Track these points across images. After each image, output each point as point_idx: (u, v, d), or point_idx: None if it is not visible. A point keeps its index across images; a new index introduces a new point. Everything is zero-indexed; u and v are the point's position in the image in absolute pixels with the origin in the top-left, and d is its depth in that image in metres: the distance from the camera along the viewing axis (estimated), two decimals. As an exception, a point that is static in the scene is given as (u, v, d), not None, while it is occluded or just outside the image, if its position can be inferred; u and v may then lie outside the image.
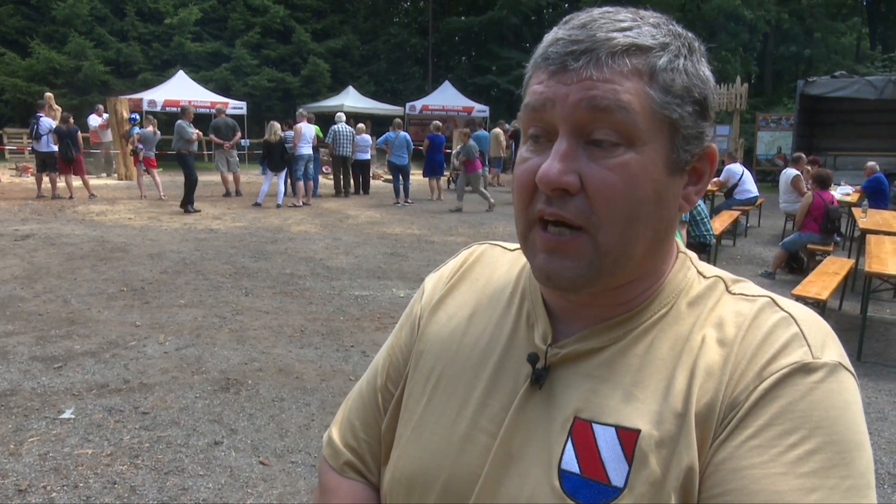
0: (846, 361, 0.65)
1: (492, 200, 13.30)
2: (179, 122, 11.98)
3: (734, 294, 0.72)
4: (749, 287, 0.73)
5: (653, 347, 0.69)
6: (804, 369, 0.62)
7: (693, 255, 0.78)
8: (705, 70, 0.69)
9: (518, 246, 0.75)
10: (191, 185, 11.88)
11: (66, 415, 3.81)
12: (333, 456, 0.89)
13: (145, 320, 5.55)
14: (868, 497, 0.60)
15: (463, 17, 30.65)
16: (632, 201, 0.65)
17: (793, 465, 0.59)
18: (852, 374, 0.65)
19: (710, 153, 0.71)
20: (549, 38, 0.68)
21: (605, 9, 0.68)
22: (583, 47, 0.64)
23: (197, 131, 12.64)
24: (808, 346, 0.64)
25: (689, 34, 0.70)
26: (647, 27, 0.66)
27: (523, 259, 0.75)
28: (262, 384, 4.33)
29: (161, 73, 23.78)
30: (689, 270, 0.75)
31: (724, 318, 0.69)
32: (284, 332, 5.39)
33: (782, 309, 0.68)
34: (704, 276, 0.75)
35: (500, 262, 0.88)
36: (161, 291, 6.47)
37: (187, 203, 11.88)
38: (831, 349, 0.65)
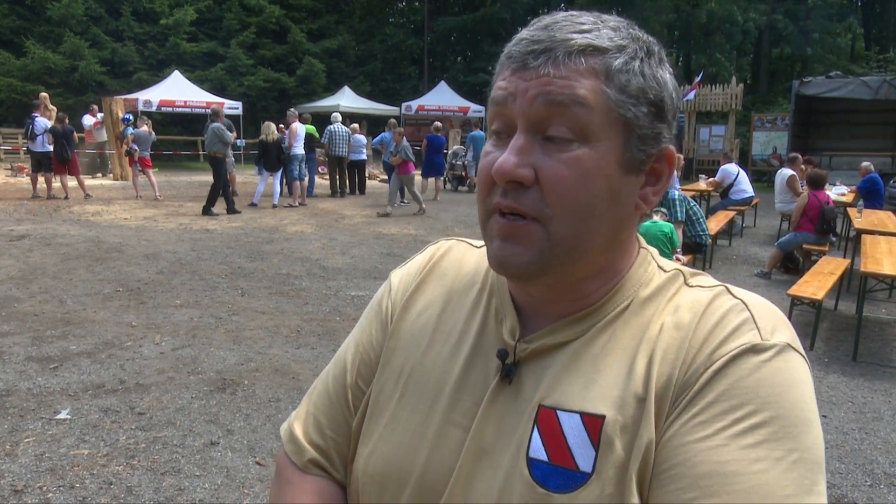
0: (797, 344, 0.66)
1: (423, 206, 12.67)
2: (216, 124, 11.79)
3: (692, 286, 0.74)
4: (706, 280, 0.75)
5: (614, 338, 0.71)
6: (753, 350, 0.64)
7: (654, 251, 0.80)
8: (664, 73, 0.71)
9: (484, 243, 0.77)
10: (216, 189, 11.78)
11: (62, 415, 3.81)
12: (296, 452, 0.87)
13: (141, 321, 5.54)
14: (814, 471, 0.60)
15: (457, 17, 30.64)
16: (584, 195, 0.67)
17: (736, 437, 0.60)
18: (803, 357, 0.66)
19: (669, 154, 0.73)
20: (515, 38, 0.71)
21: (569, 12, 0.71)
22: (542, 46, 0.67)
23: (234, 133, 12.70)
24: (758, 328, 0.66)
25: (650, 38, 0.72)
26: (606, 30, 0.68)
27: None
28: (259, 384, 4.33)
29: (156, 73, 23.76)
30: (650, 265, 0.77)
31: (681, 305, 0.71)
32: (281, 333, 5.39)
33: (735, 296, 0.70)
34: (664, 271, 0.77)
35: (466, 259, 0.89)
36: (157, 292, 6.46)
37: (209, 206, 11.75)
38: (781, 332, 0.66)
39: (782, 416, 0.61)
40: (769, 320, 0.67)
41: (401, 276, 0.91)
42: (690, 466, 0.60)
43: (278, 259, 8.22)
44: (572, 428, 0.67)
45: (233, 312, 5.88)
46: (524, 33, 0.70)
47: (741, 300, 0.70)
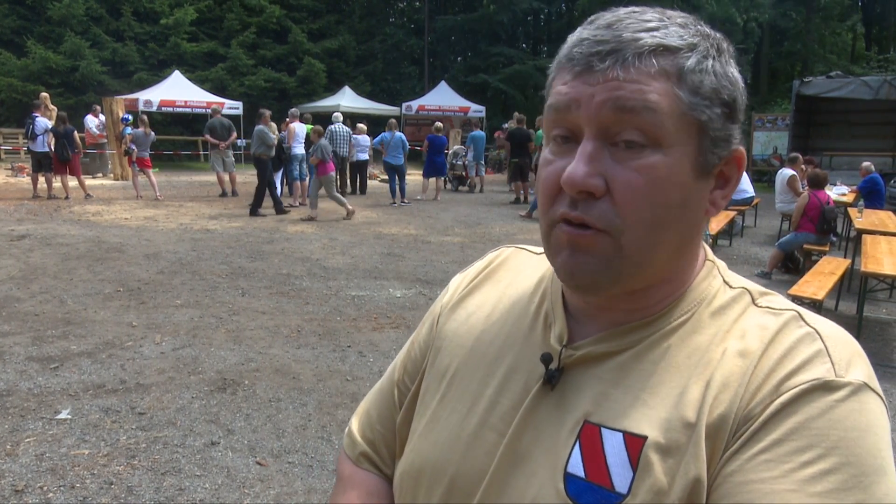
0: (874, 383, 0.62)
1: (350, 207, 11.85)
2: (260, 126, 11.91)
3: (760, 307, 0.70)
4: (777, 300, 0.71)
5: (669, 355, 0.68)
6: (825, 387, 0.60)
7: (722, 263, 0.76)
8: (734, 71, 0.67)
9: (544, 250, 0.75)
10: (262, 190, 11.88)
11: (63, 415, 3.81)
12: (351, 446, 0.91)
13: (142, 321, 5.54)
14: None
15: (458, 17, 30.63)
16: (657, 204, 0.64)
17: (805, 483, 0.56)
18: (880, 398, 0.61)
19: (738, 157, 0.69)
20: (573, 38, 0.67)
21: (631, 8, 0.67)
22: (608, 48, 0.63)
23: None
24: (832, 363, 0.61)
25: (718, 34, 0.68)
26: (674, 27, 0.65)
27: (548, 262, 0.74)
28: (259, 384, 4.33)
29: (157, 73, 23.75)
30: (715, 279, 0.73)
31: (748, 330, 0.67)
32: (281, 333, 5.39)
33: (808, 324, 0.66)
34: (731, 287, 0.73)
35: (525, 265, 0.88)
36: (157, 292, 6.46)
37: (257, 207, 11.86)
38: (858, 368, 0.62)
39: (854, 464, 0.57)
40: (844, 353, 0.62)
41: (458, 281, 0.92)
42: None
43: (279, 259, 8.22)
44: (613, 446, 0.65)
45: (233, 312, 5.88)
46: (585, 33, 0.66)
47: (815, 329, 0.65)
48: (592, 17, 0.67)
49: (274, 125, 13.02)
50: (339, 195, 12.02)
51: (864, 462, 0.57)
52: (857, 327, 5.46)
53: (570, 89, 0.65)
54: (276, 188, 12.31)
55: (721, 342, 0.67)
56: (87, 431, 3.63)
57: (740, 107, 0.67)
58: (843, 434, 0.58)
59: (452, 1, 32.54)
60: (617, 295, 0.70)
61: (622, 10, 0.66)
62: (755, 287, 0.73)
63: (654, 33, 0.63)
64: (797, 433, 0.58)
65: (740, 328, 0.67)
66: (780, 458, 0.58)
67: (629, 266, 0.66)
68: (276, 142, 12.26)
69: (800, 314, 0.67)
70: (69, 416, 3.80)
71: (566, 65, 0.66)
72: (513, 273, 0.87)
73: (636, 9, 0.67)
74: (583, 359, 0.71)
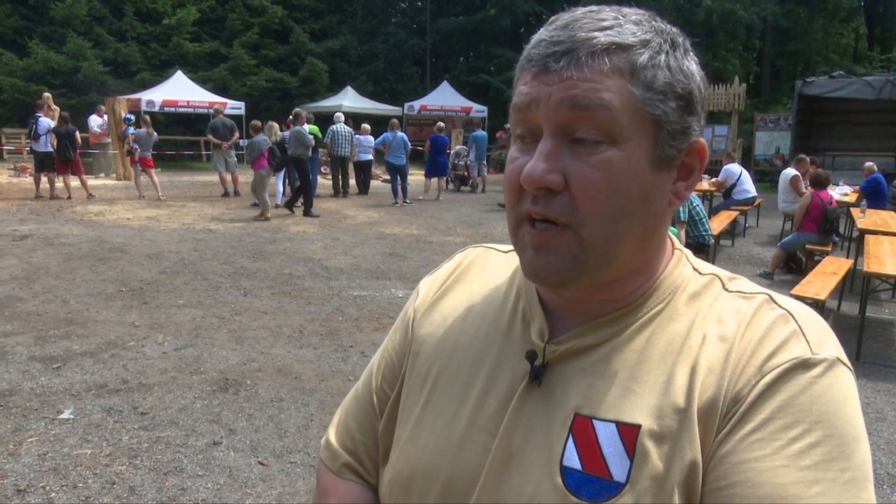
0: (844, 357, 0.66)
1: (268, 213, 11.44)
2: (297, 127, 12.05)
3: (731, 291, 0.73)
4: (745, 284, 0.74)
5: (650, 343, 0.70)
6: (804, 364, 0.64)
7: (688, 252, 0.79)
8: (690, 65, 0.69)
9: (511, 248, 0.76)
10: (308, 189, 12.09)
11: (65, 415, 3.81)
12: (331, 458, 0.89)
13: (144, 320, 5.55)
14: (866, 489, 0.61)
15: (460, 17, 30.62)
16: (616, 198, 0.66)
17: (794, 457, 0.60)
18: (850, 370, 0.66)
19: (699, 148, 0.71)
20: (534, 39, 0.69)
21: (588, 8, 0.68)
22: (563, 48, 0.65)
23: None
24: (808, 342, 0.65)
25: (673, 29, 0.70)
26: (628, 25, 0.66)
27: (517, 260, 0.75)
28: (261, 384, 4.33)
29: (159, 73, 23.77)
30: (685, 267, 0.76)
31: (724, 315, 0.70)
32: (283, 333, 5.39)
33: (780, 306, 0.70)
34: (701, 273, 0.75)
35: (494, 264, 0.88)
36: (160, 292, 6.47)
37: (309, 207, 12.10)
38: (829, 345, 0.66)
39: (836, 435, 0.61)
40: (817, 332, 0.67)
41: (428, 284, 0.92)
42: (751, 487, 0.60)
43: (281, 259, 8.23)
44: (608, 437, 0.67)
45: (235, 312, 5.89)
46: (543, 34, 0.68)
47: (787, 310, 0.69)
48: (553, 18, 0.70)
49: (276, 125, 13.03)
50: (265, 197, 11.61)
51: (844, 432, 0.62)
52: (860, 328, 5.45)
53: (529, 89, 0.67)
54: (312, 189, 12.56)
55: (699, 328, 0.70)
56: (90, 431, 3.64)
57: (697, 99, 0.69)
58: (824, 408, 0.62)
59: (454, 2, 32.51)
60: (588, 287, 0.71)
61: (580, 10, 0.68)
62: (723, 272, 0.76)
63: (608, 32, 0.65)
64: (783, 411, 0.62)
65: (716, 313, 0.70)
66: (769, 436, 0.62)
67: (593, 259, 0.67)
68: (313, 142, 12.44)
69: (770, 296, 0.71)
70: (71, 416, 3.80)
71: (526, 66, 0.69)
72: (484, 273, 0.87)
73: (594, 8, 0.69)
74: (566, 353, 0.72)
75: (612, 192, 0.65)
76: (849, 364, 0.66)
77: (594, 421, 0.68)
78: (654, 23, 0.69)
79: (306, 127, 12.98)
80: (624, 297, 0.72)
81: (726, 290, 0.73)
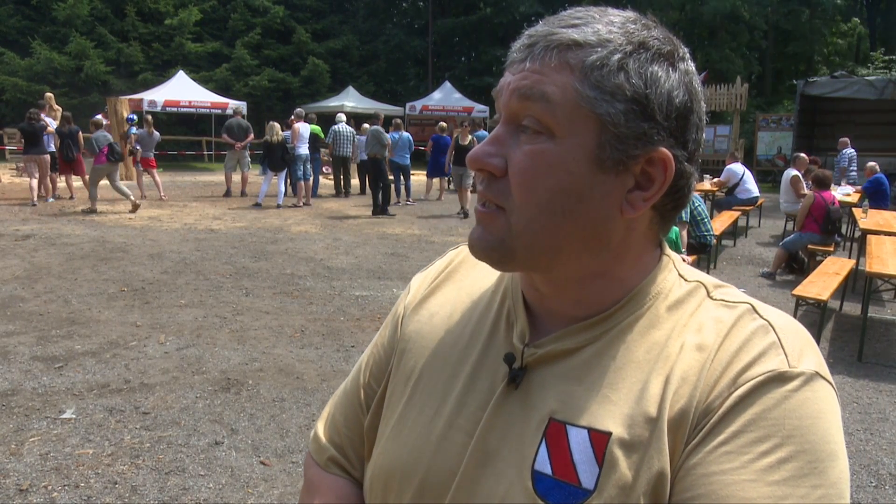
0: (824, 371, 0.64)
1: (133, 201, 11.20)
2: (376, 127, 12.22)
3: (715, 300, 0.71)
4: (731, 293, 0.72)
5: (629, 350, 0.69)
6: (780, 378, 0.62)
7: (677, 257, 0.77)
8: (657, 70, 0.66)
9: None
10: (387, 188, 12.34)
11: (67, 415, 3.82)
12: (318, 451, 0.90)
13: (146, 320, 5.55)
14: None
15: (461, 18, 30.64)
16: (541, 189, 0.66)
17: (763, 472, 0.59)
18: (830, 384, 0.64)
19: (662, 157, 0.66)
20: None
21: (577, 7, 0.69)
22: (530, 41, 0.68)
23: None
24: (785, 354, 0.64)
25: (653, 33, 0.67)
26: (598, 24, 0.66)
27: None
28: (263, 384, 4.33)
29: (161, 73, 23.82)
30: (671, 273, 0.74)
31: (704, 324, 0.68)
32: (285, 333, 5.39)
33: (761, 317, 0.68)
34: (686, 280, 0.74)
35: (485, 264, 0.88)
36: (161, 291, 6.48)
37: (385, 206, 12.32)
38: (809, 358, 0.64)
39: (809, 451, 0.60)
40: (796, 344, 0.65)
41: (419, 281, 0.91)
42: (717, 500, 0.59)
43: (282, 259, 8.23)
44: (579, 443, 0.66)
45: (237, 312, 5.89)
46: (527, 30, 0.70)
47: (768, 321, 0.67)
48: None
49: (277, 125, 13.05)
50: (96, 192, 11.41)
51: (818, 448, 0.60)
52: (862, 328, 5.44)
53: (502, 79, 0.71)
54: (389, 188, 12.75)
55: (678, 336, 0.69)
56: (92, 431, 3.64)
57: (658, 106, 0.65)
58: (798, 423, 0.60)
59: (455, 2, 32.52)
60: (557, 282, 0.72)
61: (569, 10, 0.70)
62: (709, 279, 0.75)
63: (571, 30, 0.66)
64: (754, 424, 0.61)
65: (697, 322, 0.69)
66: (739, 449, 0.60)
67: (521, 247, 0.68)
68: (390, 141, 12.60)
69: (753, 307, 0.69)
70: (73, 416, 3.81)
71: (508, 57, 0.72)
72: (474, 272, 0.87)
73: (581, 8, 0.69)
74: (545, 357, 0.72)
75: (539, 184, 0.66)
76: (830, 378, 0.65)
77: (568, 426, 0.67)
78: (631, 24, 0.67)
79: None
80: (592, 301, 0.72)
81: (711, 298, 0.71)
